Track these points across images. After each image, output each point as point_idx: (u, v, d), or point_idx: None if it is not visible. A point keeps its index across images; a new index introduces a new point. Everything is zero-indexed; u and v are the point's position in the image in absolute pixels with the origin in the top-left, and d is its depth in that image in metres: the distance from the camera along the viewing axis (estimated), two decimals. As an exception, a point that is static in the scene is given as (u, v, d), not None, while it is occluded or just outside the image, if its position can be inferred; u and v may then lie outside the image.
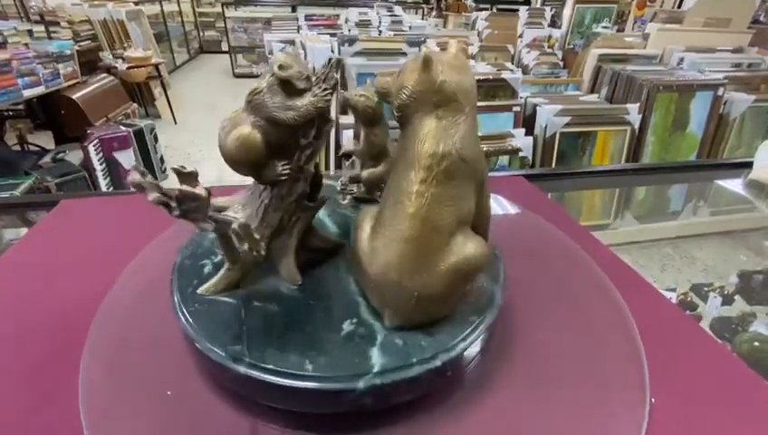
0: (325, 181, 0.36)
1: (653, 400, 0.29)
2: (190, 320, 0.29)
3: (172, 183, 0.32)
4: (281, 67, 0.28)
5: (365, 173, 0.41)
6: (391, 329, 0.29)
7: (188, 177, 0.27)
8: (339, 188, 0.45)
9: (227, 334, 0.28)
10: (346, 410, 0.26)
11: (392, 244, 0.28)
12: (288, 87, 0.28)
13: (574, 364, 0.33)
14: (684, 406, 0.31)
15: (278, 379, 0.26)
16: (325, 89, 0.29)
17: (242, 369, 0.26)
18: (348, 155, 0.43)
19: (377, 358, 0.27)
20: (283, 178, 0.30)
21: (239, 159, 0.29)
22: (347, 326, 0.29)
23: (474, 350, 0.30)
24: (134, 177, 0.25)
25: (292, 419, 0.28)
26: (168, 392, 0.29)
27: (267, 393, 0.27)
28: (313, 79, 0.29)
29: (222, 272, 0.32)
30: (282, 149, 0.29)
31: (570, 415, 0.29)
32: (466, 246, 0.28)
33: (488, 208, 0.32)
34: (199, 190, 0.27)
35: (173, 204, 0.26)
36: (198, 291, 0.32)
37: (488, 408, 0.29)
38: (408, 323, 0.29)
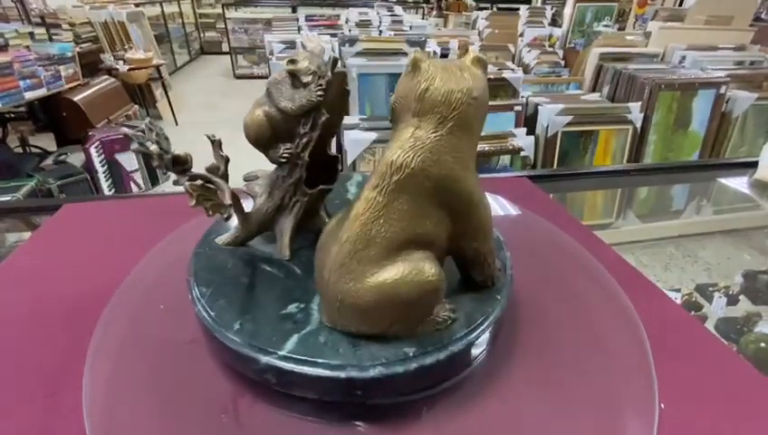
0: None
1: (662, 405, 0.29)
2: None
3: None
4: (290, 62, 0.31)
5: None
6: (326, 326, 0.29)
7: (215, 144, 0.33)
8: None
9: (201, 280, 0.33)
10: (253, 378, 0.28)
11: (333, 243, 0.27)
12: (295, 80, 0.31)
13: (581, 366, 0.32)
14: (692, 410, 0.31)
15: (212, 329, 0.29)
16: (319, 85, 0.31)
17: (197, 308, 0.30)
18: None
19: (291, 344, 0.27)
20: (283, 160, 0.33)
21: (250, 136, 0.33)
22: (291, 308, 0.30)
23: (398, 374, 0.26)
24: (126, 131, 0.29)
25: (288, 403, 0.28)
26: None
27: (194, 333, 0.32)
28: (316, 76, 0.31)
29: (232, 230, 0.37)
30: (287, 134, 0.33)
31: (578, 419, 0.29)
32: (404, 270, 0.26)
33: (482, 240, 0.29)
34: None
35: (152, 148, 0.30)
36: (216, 240, 0.36)
37: (493, 411, 0.29)
38: (336, 326, 0.28)
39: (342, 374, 0.26)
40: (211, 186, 0.32)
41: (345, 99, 0.34)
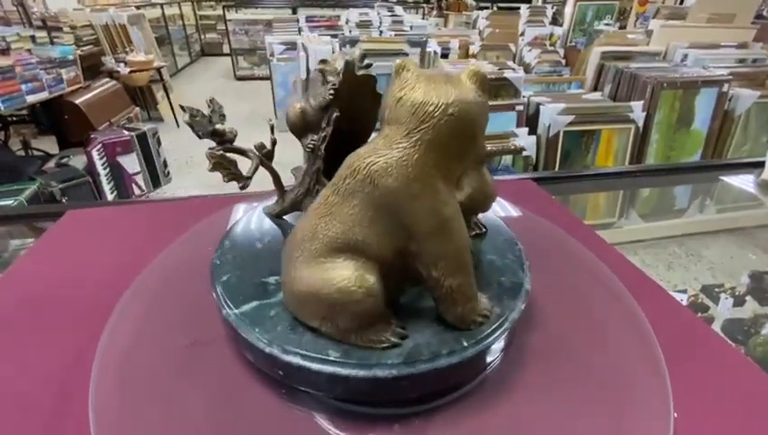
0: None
1: (675, 414, 0.28)
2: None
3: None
4: (322, 61, 0.35)
5: None
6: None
7: (272, 128, 0.39)
8: None
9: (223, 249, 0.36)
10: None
11: (296, 228, 0.29)
12: (324, 79, 0.34)
13: (591, 370, 0.32)
14: (701, 414, 0.31)
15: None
16: (333, 84, 0.33)
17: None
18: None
19: (247, 307, 0.30)
20: (308, 149, 0.36)
21: (288, 125, 0.37)
22: (270, 280, 0.33)
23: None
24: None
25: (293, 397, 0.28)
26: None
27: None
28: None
29: (271, 204, 0.41)
30: (317, 127, 0.36)
31: (590, 426, 0.29)
32: (333, 273, 0.25)
33: (445, 272, 0.26)
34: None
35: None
36: (263, 209, 0.41)
37: (502, 416, 0.29)
38: (290, 310, 0.29)
39: (267, 349, 0.27)
40: (232, 157, 0.36)
41: (374, 102, 0.35)
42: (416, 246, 0.26)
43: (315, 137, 0.36)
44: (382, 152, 0.25)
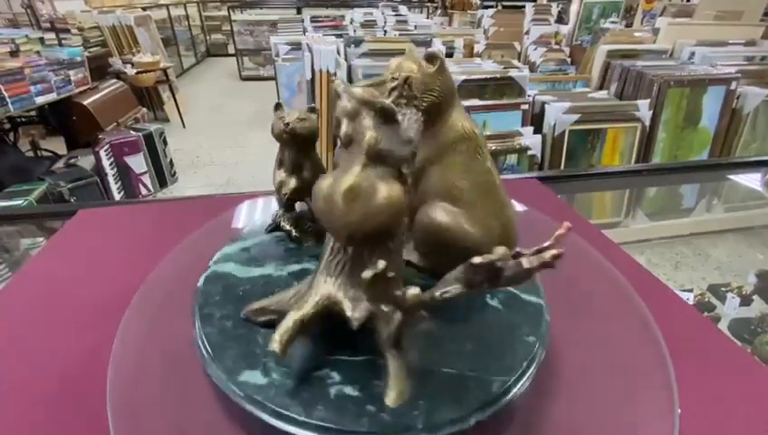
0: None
1: (679, 410, 0.28)
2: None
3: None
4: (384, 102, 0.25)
5: None
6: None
7: None
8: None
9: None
10: None
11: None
12: (393, 121, 0.25)
13: (596, 368, 0.32)
14: (708, 413, 0.31)
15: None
16: (415, 110, 0.27)
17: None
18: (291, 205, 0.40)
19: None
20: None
21: (391, 225, 0.26)
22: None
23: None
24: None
25: None
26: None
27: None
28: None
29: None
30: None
31: (595, 419, 0.29)
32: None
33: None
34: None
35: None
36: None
37: (510, 414, 0.29)
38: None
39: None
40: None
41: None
42: None
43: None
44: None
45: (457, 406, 0.25)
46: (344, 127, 0.25)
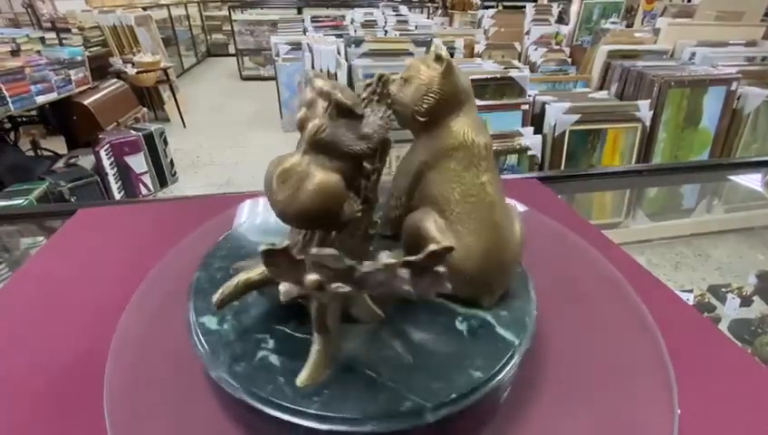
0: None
1: (678, 411, 0.28)
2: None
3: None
4: (340, 93, 0.26)
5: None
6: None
7: None
8: None
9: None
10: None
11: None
12: (351, 115, 0.26)
13: (595, 369, 0.32)
14: (708, 415, 0.31)
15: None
16: (385, 109, 0.28)
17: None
18: None
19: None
20: (359, 213, 0.28)
21: (320, 212, 0.26)
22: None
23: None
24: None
25: None
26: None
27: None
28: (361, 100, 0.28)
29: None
30: (349, 184, 0.27)
31: (594, 420, 0.29)
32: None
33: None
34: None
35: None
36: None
37: (504, 411, 0.29)
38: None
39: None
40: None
41: None
42: None
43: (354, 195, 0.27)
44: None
45: (357, 408, 0.25)
46: (299, 113, 0.26)
